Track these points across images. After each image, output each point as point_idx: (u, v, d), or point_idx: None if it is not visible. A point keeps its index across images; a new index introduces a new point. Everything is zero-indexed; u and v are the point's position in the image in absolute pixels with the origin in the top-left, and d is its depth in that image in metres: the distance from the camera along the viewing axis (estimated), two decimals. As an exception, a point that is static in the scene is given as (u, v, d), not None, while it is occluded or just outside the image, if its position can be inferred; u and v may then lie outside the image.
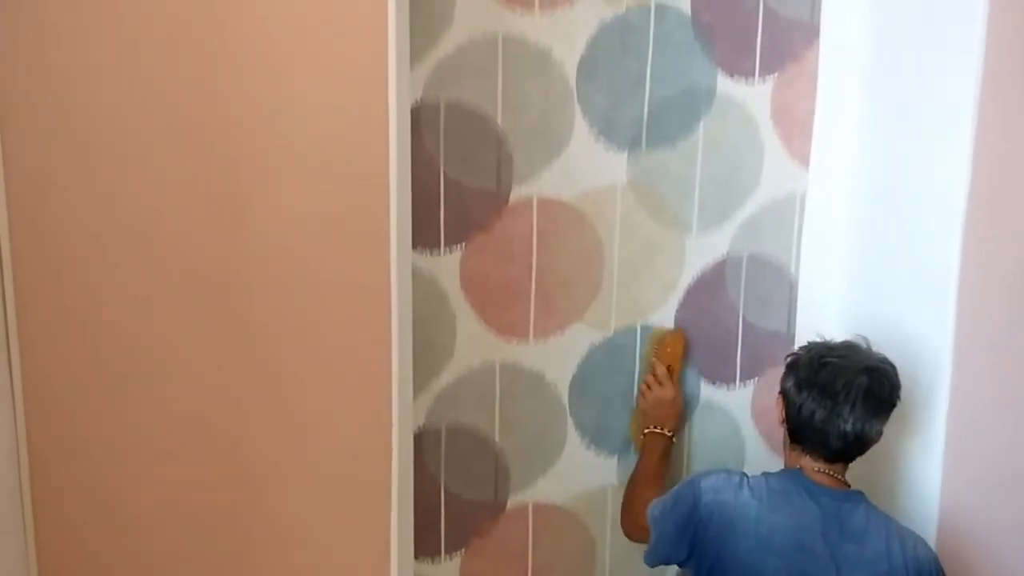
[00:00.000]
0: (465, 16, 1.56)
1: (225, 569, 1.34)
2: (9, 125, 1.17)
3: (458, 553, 1.74)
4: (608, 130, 1.69)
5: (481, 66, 1.59)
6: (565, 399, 1.75)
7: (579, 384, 1.76)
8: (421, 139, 1.58)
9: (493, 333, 1.69)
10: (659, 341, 1.77)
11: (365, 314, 1.32)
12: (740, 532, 1.43)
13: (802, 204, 1.84)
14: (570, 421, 1.77)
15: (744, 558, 1.42)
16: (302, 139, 1.26)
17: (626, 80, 1.68)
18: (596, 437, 1.79)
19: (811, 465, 1.50)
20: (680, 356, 1.77)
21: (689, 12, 1.69)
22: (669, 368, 1.74)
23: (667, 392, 1.72)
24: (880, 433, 1.49)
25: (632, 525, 1.64)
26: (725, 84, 1.74)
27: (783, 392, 1.54)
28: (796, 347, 1.80)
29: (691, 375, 1.84)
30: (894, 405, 1.49)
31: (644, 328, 1.78)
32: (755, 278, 1.84)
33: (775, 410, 1.58)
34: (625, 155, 1.71)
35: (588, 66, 1.65)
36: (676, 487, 1.56)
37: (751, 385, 1.88)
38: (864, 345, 1.54)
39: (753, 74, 1.76)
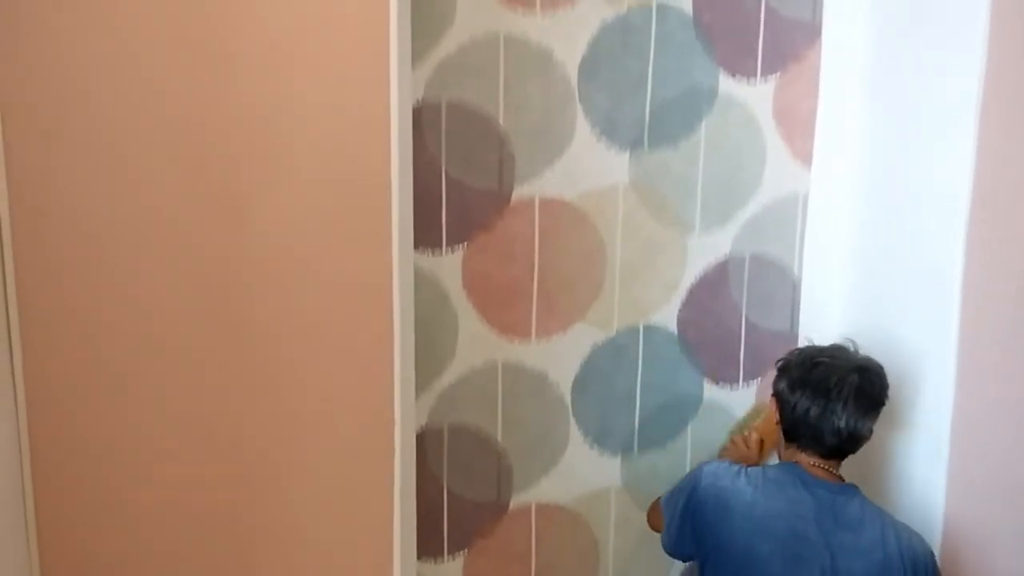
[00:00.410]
0: (466, 16, 1.56)
1: (227, 569, 1.34)
2: (10, 124, 1.18)
3: (461, 553, 1.74)
4: (610, 130, 1.69)
5: (483, 66, 1.59)
6: (568, 399, 1.75)
7: (581, 384, 1.76)
8: (423, 139, 1.58)
9: (495, 333, 1.69)
10: (761, 412, 1.82)
11: (367, 314, 1.32)
12: (735, 516, 1.47)
13: (805, 204, 1.84)
14: (572, 421, 1.76)
15: (739, 541, 1.46)
16: (303, 139, 1.26)
17: (628, 80, 1.68)
18: (599, 437, 1.79)
19: (808, 460, 1.54)
20: (773, 436, 1.74)
21: (691, 12, 1.69)
22: (761, 440, 1.77)
23: (752, 454, 1.76)
24: (871, 431, 1.52)
25: (652, 515, 1.72)
26: (727, 84, 1.74)
27: (776, 394, 1.58)
28: (799, 346, 1.81)
29: (693, 375, 1.83)
30: (883, 404, 1.53)
31: (647, 328, 1.78)
32: (758, 278, 1.84)
33: (770, 411, 1.61)
34: (627, 155, 1.71)
35: (590, 66, 1.65)
36: (684, 477, 1.61)
37: (754, 385, 1.88)
38: (852, 347, 1.57)
39: (755, 74, 1.76)
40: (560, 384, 1.74)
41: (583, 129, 1.67)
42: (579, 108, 1.66)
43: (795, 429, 1.53)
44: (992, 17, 1.48)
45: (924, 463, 1.64)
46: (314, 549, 1.36)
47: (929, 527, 1.61)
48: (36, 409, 1.25)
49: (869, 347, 1.58)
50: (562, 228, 1.69)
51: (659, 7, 1.67)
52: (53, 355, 1.24)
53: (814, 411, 1.49)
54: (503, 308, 1.68)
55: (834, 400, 1.48)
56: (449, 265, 1.64)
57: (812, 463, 1.53)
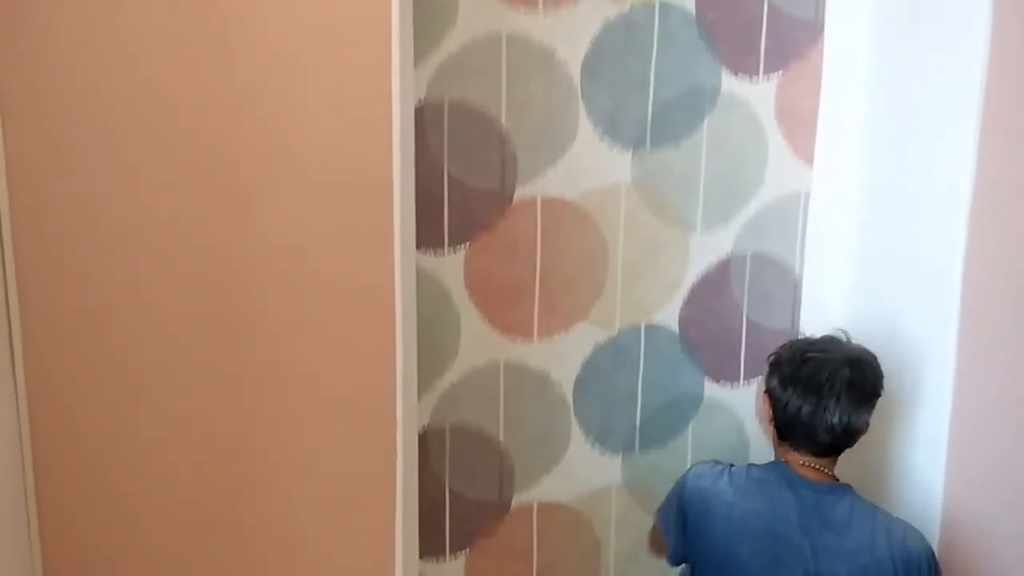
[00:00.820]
0: (469, 15, 1.56)
1: (230, 568, 1.34)
2: (11, 124, 1.17)
3: (463, 552, 1.74)
4: (612, 129, 1.69)
5: (485, 65, 1.59)
6: (569, 398, 1.75)
7: (583, 383, 1.76)
8: (425, 139, 1.57)
9: (497, 332, 1.69)
10: None
11: (369, 314, 1.32)
12: (714, 517, 1.48)
13: (806, 202, 1.84)
14: (574, 420, 1.77)
15: (719, 543, 1.47)
16: (305, 139, 1.26)
17: (630, 79, 1.68)
18: (600, 436, 1.79)
19: (798, 459, 1.51)
20: None
21: (693, 10, 1.68)
22: None
23: None
24: (867, 424, 1.49)
25: (653, 535, 1.76)
26: (729, 83, 1.74)
27: (768, 391, 1.54)
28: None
29: (695, 374, 1.83)
30: (878, 395, 1.50)
31: (648, 327, 1.78)
32: (759, 277, 1.84)
33: (763, 409, 1.58)
34: (629, 154, 1.71)
35: (592, 65, 1.65)
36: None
37: (755, 383, 1.88)
38: (844, 338, 1.54)
39: (757, 72, 1.75)
40: (562, 383, 1.74)
41: (585, 128, 1.67)
42: (581, 107, 1.66)
43: (788, 427, 1.50)
44: (994, 17, 1.48)
45: (923, 459, 1.64)
46: (316, 548, 1.36)
47: (928, 522, 1.62)
48: (37, 406, 1.24)
49: (870, 345, 1.58)
50: (564, 227, 1.69)
51: (662, 5, 1.66)
52: (54, 352, 1.23)
53: (806, 409, 1.46)
54: (505, 308, 1.68)
55: (826, 396, 1.45)
56: (451, 265, 1.64)
57: (802, 462, 1.50)
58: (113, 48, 1.18)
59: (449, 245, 1.63)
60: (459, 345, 1.67)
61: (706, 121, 1.74)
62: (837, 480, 1.53)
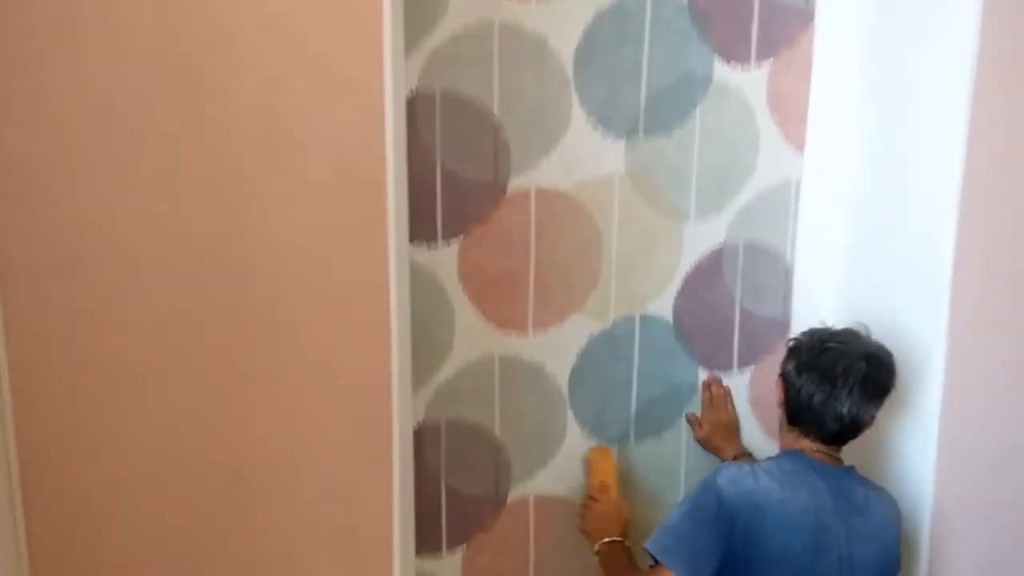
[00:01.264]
0: (460, 4, 1.53)
1: (226, 565, 1.32)
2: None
3: (460, 548, 1.73)
4: (605, 119, 1.67)
5: (477, 55, 1.56)
6: (565, 391, 1.74)
7: (579, 375, 1.74)
8: (417, 130, 1.55)
9: (492, 326, 1.67)
10: (588, 463, 1.75)
11: (364, 309, 1.30)
12: (768, 515, 1.42)
13: (797, 191, 1.83)
14: (570, 413, 1.75)
15: (773, 540, 1.42)
16: (298, 131, 1.23)
17: (623, 68, 1.66)
18: (596, 428, 1.78)
19: (811, 446, 1.53)
20: (610, 470, 1.71)
21: (685, -2, 1.67)
22: (603, 483, 1.70)
23: (604, 504, 1.65)
24: (873, 418, 1.52)
25: None
26: (722, 70, 1.72)
27: (783, 375, 1.57)
28: (792, 333, 1.82)
29: (689, 363, 1.83)
30: (889, 392, 1.53)
31: (643, 317, 1.77)
32: (752, 265, 1.83)
33: (775, 392, 1.61)
34: (623, 144, 1.69)
35: (585, 54, 1.63)
36: (683, 504, 1.47)
37: (748, 372, 1.88)
38: (864, 332, 1.56)
39: (749, 60, 1.74)
40: (557, 376, 1.73)
41: (579, 118, 1.65)
42: (574, 97, 1.64)
43: (798, 412, 1.53)
44: (984, 4, 1.48)
45: (914, 445, 1.65)
46: (313, 546, 1.34)
47: (919, 507, 1.64)
48: (25, 409, 1.21)
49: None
50: (558, 219, 1.67)
51: (654, -7, 1.65)
52: (43, 354, 1.20)
53: (818, 396, 1.49)
54: (500, 301, 1.66)
55: (839, 387, 1.47)
56: (445, 258, 1.61)
57: (815, 448, 1.53)
58: (102, 37, 1.15)
59: (443, 238, 1.61)
60: (453, 339, 1.65)
61: (698, 109, 1.73)
62: (843, 463, 1.56)
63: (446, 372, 1.66)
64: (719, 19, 1.70)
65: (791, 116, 1.79)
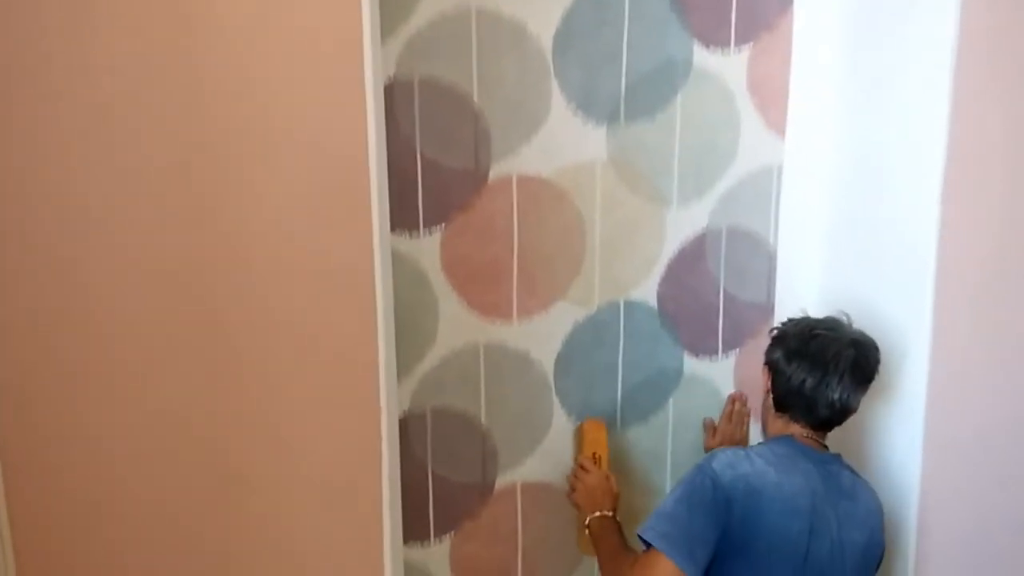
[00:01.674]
0: (437, -10, 1.52)
1: (215, 554, 1.31)
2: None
3: (448, 536, 1.73)
4: (586, 104, 1.66)
5: (455, 41, 1.55)
6: (550, 378, 1.74)
7: (564, 362, 1.74)
8: (395, 118, 1.54)
9: (476, 315, 1.67)
10: (580, 433, 1.75)
11: (349, 299, 1.29)
12: (767, 498, 1.41)
13: (779, 176, 1.84)
14: (556, 400, 1.76)
15: (772, 523, 1.41)
16: (277, 120, 1.22)
17: (603, 53, 1.66)
18: (582, 415, 1.78)
19: (801, 432, 1.54)
20: (603, 443, 1.71)
21: (663, -18, 1.67)
22: (595, 456, 1.70)
23: (595, 476, 1.64)
24: (859, 403, 1.53)
25: None
26: (701, 55, 1.72)
27: (769, 363, 1.57)
28: (776, 318, 1.83)
29: (674, 348, 1.83)
30: (873, 378, 1.54)
31: (627, 303, 1.78)
32: (735, 251, 1.84)
33: (761, 380, 1.60)
34: (604, 129, 1.69)
35: (564, 40, 1.62)
36: (677, 489, 1.44)
37: (733, 356, 1.88)
38: (846, 320, 1.57)
39: (728, 44, 1.74)
40: (542, 363, 1.73)
41: (559, 104, 1.65)
42: (554, 82, 1.63)
43: (788, 399, 1.53)
44: (965, -14, 1.49)
45: (900, 431, 1.66)
46: (303, 537, 1.34)
47: (906, 491, 1.64)
48: (4, 404, 1.19)
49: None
50: (541, 206, 1.67)
51: (632, -23, 1.64)
52: (22, 348, 1.18)
53: (810, 382, 1.49)
54: (484, 289, 1.66)
55: (831, 373, 1.48)
56: (427, 247, 1.61)
57: (805, 435, 1.53)
58: (81, 22, 1.13)
59: (424, 227, 1.60)
60: (437, 329, 1.65)
61: (679, 95, 1.73)
62: (829, 450, 1.56)
63: (431, 361, 1.65)
64: (698, 4, 1.70)
65: (772, 101, 1.80)
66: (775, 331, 1.59)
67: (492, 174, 1.63)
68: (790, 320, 1.59)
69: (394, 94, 1.53)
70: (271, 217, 1.24)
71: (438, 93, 1.57)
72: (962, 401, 1.63)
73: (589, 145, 1.68)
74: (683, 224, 1.78)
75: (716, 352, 1.87)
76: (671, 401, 1.85)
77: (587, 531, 1.60)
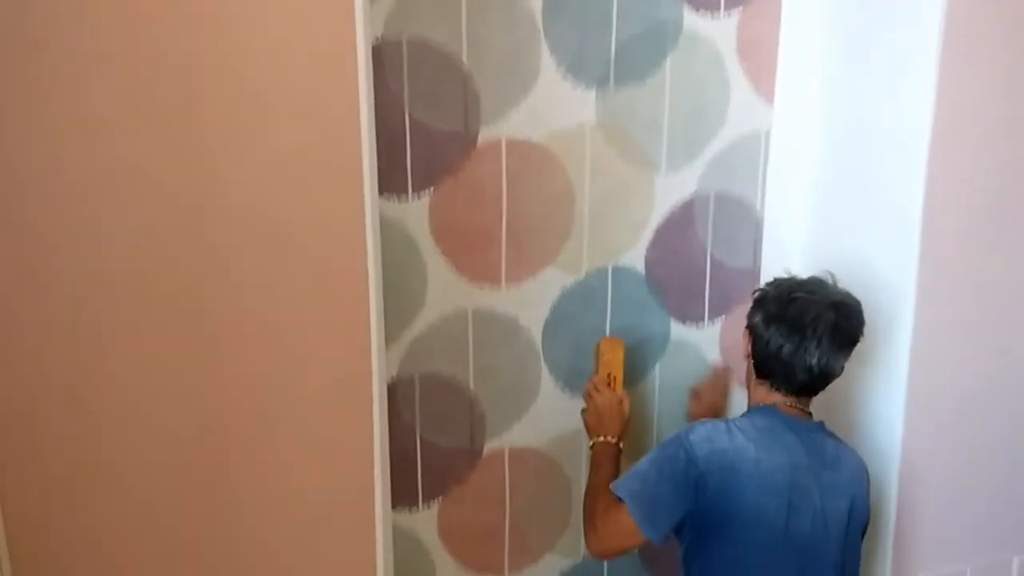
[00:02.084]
0: (426, -51, 1.49)
1: (207, 525, 1.30)
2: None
3: (436, 501, 1.73)
4: (576, 67, 1.64)
5: (444, 0, 1.52)
6: (538, 344, 1.74)
7: (552, 328, 1.74)
8: (384, 79, 1.51)
9: (465, 280, 1.66)
10: (597, 351, 1.74)
11: (340, 264, 1.27)
12: (744, 475, 1.41)
13: (767, 141, 1.84)
14: (544, 365, 1.76)
15: (749, 501, 1.41)
16: (267, 81, 1.19)
17: (593, 15, 1.63)
18: (570, 380, 1.78)
19: (783, 401, 1.52)
20: (619, 363, 1.71)
21: (653, -57, 1.64)
22: (610, 376, 1.70)
23: (605, 398, 1.65)
24: (842, 368, 1.51)
25: (601, 533, 1.49)
26: (691, 19, 1.71)
27: (750, 327, 1.55)
28: (763, 283, 1.83)
29: (661, 315, 1.84)
30: (858, 341, 1.52)
31: (615, 269, 1.77)
32: (722, 216, 1.84)
33: (742, 344, 1.60)
34: (593, 93, 1.67)
35: (554, 1, 1.59)
36: (654, 452, 1.49)
37: (719, 322, 1.89)
38: (831, 281, 1.55)
39: (718, 8, 1.72)
40: (531, 329, 1.73)
41: (548, 66, 1.62)
42: (544, 45, 1.61)
43: (767, 365, 1.51)
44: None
45: (883, 394, 1.68)
46: (293, 504, 1.33)
47: (888, 455, 1.67)
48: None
49: (830, 282, 1.60)
50: (530, 171, 1.65)
51: (622, -62, 1.62)
52: (14, 352, 1.16)
53: (787, 348, 1.47)
54: (472, 254, 1.65)
55: (808, 338, 1.45)
56: (416, 212, 1.59)
57: (788, 403, 1.52)
58: None
59: (413, 191, 1.58)
60: (426, 294, 1.63)
61: (669, 58, 1.71)
62: (812, 417, 1.56)
63: (419, 326, 1.64)
64: (689, -34, 1.68)
65: (761, 66, 1.79)
66: (757, 293, 1.56)
67: (481, 138, 1.61)
68: (773, 281, 1.57)
69: (382, 55, 1.50)
70: (260, 181, 1.21)
71: (427, 54, 1.54)
72: (945, 367, 1.65)
73: (579, 109, 1.67)
74: (672, 189, 1.78)
75: (702, 319, 1.88)
76: (657, 367, 1.86)
77: (590, 451, 1.64)
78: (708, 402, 1.85)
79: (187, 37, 1.14)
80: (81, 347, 1.19)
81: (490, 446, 1.75)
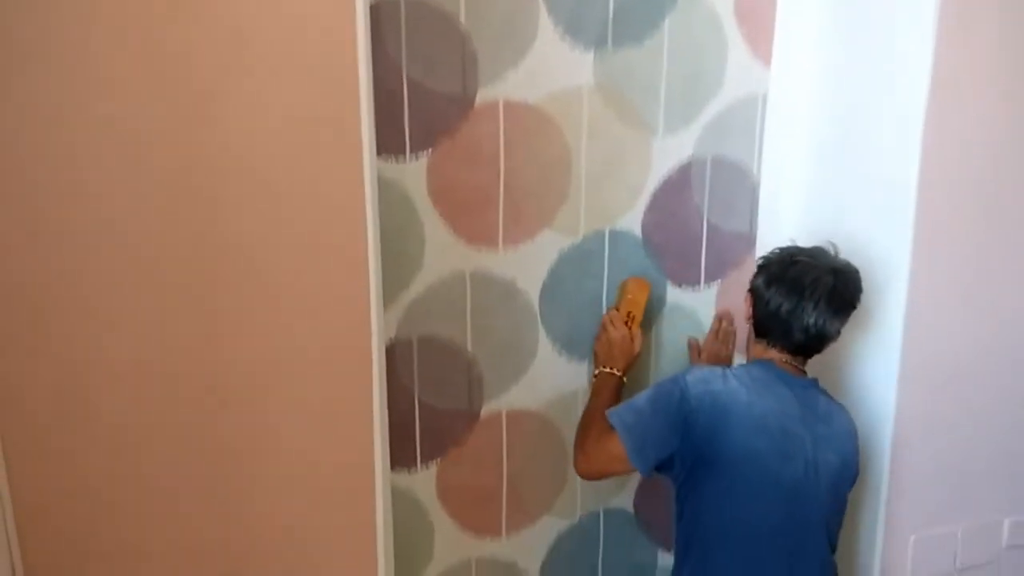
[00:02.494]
0: (423, -95, 1.47)
1: (210, 486, 1.31)
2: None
3: (434, 462, 1.74)
4: (574, 28, 1.63)
5: (442, -40, 1.51)
6: (536, 306, 1.75)
7: (549, 291, 1.75)
8: (381, 39, 1.50)
9: (463, 242, 1.66)
10: (623, 288, 1.77)
11: (340, 225, 1.27)
12: (734, 416, 1.47)
13: (764, 105, 1.83)
14: (541, 328, 1.76)
15: (738, 440, 1.47)
16: (265, 40, 1.18)
17: (591, -26, 1.62)
18: (567, 343, 1.79)
19: (779, 356, 1.57)
20: (641, 304, 1.76)
21: (654, -98, 1.63)
22: (629, 315, 1.75)
23: (620, 333, 1.71)
24: (839, 332, 1.56)
25: (591, 455, 1.57)
26: (689, -21, 1.70)
27: (753, 289, 1.60)
28: (758, 249, 1.85)
29: (657, 278, 1.84)
30: (854, 307, 1.56)
31: (612, 233, 1.78)
32: (719, 180, 1.84)
33: (743, 308, 1.64)
34: (591, 55, 1.66)
35: (552, -40, 1.59)
36: (651, 389, 1.57)
37: (715, 287, 1.90)
38: (832, 250, 1.60)
39: (717, -32, 1.71)
40: (528, 292, 1.73)
41: (546, 27, 1.61)
42: (542, 5, 1.60)
43: (766, 323, 1.56)
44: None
45: (878, 359, 1.69)
46: (294, 466, 1.34)
47: (881, 418, 1.69)
48: (8, 407, 1.18)
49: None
50: (528, 132, 1.65)
51: None
52: (16, 348, 1.16)
53: (786, 307, 1.52)
54: (470, 216, 1.65)
55: (806, 298, 1.51)
56: (413, 172, 1.59)
57: (783, 359, 1.57)
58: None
59: (411, 152, 1.58)
60: (424, 256, 1.63)
61: (667, 19, 1.70)
62: (807, 376, 1.60)
63: (417, 288, 1.65)
64: (688, -75, 1.67)
65: (758, 28, 1.78)
66: (761, 260, 1.62)
67: (479, 99, 1.60)
68: (776, 249, 1.62)
69: (380, 15, 1.49)
70: (259, 142, 1.21)
71: (424, 13, 1.53)
72: (939, 331, 1.67)
73: (576, 71, 1.66)
74: (669, 153, 1.78)
75: (698, 282, 1.89)
76: (653, 330, 1.87)
77: (593, 378, 1.73)
78: (711, 350, 1.86)
79: (185, 9, 1.13)
80: (82, 312, 1.19)
81: (488, 408, 1.76)
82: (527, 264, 1.72)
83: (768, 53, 1.81)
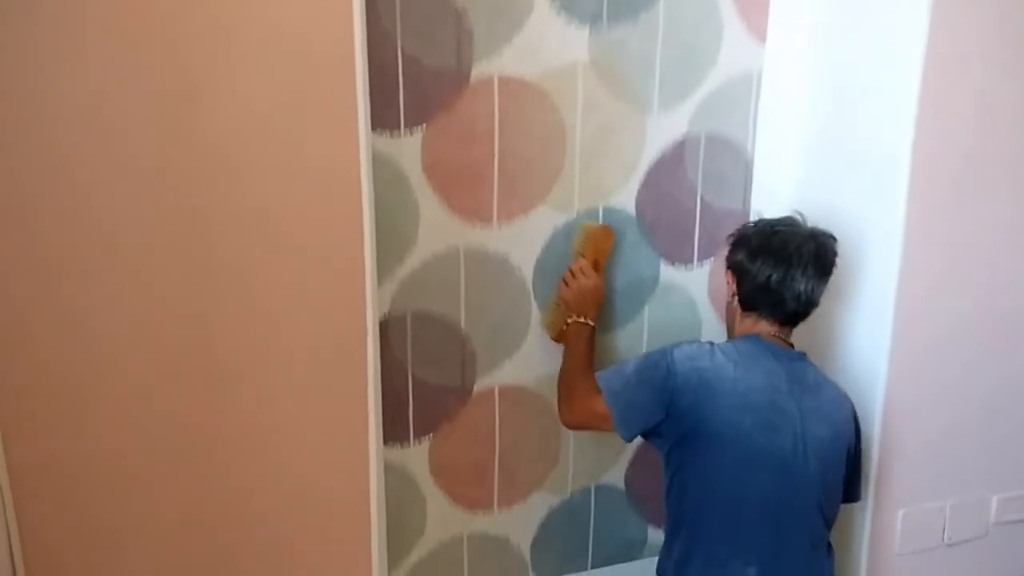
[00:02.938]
0: None
1: (203, 455, 1.31)
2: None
3: (427, 437, 1.75)
4: (569, 3, 1.63)
5: (437, -68, 1.50)
6: (529, 283, 1.75)
7: (543, 267, 1.75)
8: (376, 13, 1.49)
9: (457, 218, 1.66)
10: (586, 235, 1.76)
11: (335, 199, 1.27)
12: (719, 392, 1.49)
13: (758, 82, 1.83)
14: (535, 304, 1.77)
15: (724, 416, 1.48)
16: (259, 19, 1.17)
17: (587, -51, 1.61)
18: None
19: (768, 330, 1.58)
20: (606, 252, 1.76)
21: None
22: (595, 262, 1.74)
23: (590, 282, 1.70)
24: (820, 297, 1.57)
25: (576, 411, 1.62)
26: (685, -46, 1.69)
27: (733, 265, 1.60)
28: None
29: (650, 256, 1.85)
30: (832, 271, 1.58)
31: (606, 209, 1.78)
32: (713, 158, 1.84)
33: (725, 286, 1.64)
34: (586, 30, 1.66)
35: (548, -66, 1.57)
36: (640, 358, 1.57)
37: (707, 264, 1.91)
38: (800, 218, 1.61)
39: (712, -56, 1.71)
40: (522, 268, 1.74)
41: (542, 2, 1.61)
42: (537, -21, 1.59)
43: (755, 296, 1.56)
44: None
45: (868, 333, 1.70)
46: (288, 438, 1.34)
47: (871, 394, 1.70)
48: (10, 412, 1.18)
49: (818, 224, 1.61)
50: (522, 108, 1.64)
51: None
52: (17, 347, 1.16)
53: (776, 277, 1.53)
54: (464, 192, 1.65)
55: (795, 265, 1.52)
56: (408, 148, 1.58)
57: (772, 332, 1.57)
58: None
59: (405, 127, 1.57)
60: (418, 231, 1.63)
61: (663, -6, 1.70)
62: (794, 348, 1.60)
63: (411, 264, 1.65)
64: (685, -100, 1.65)
65: (754, 5, 1.78)
66: (732, 236, 1.62)
67: (474, 74, 1.59)
68: (746, 224, 1.63)
69: (374, -12, 1.48)
70: (254, 117, 1.20)
71: (419, -13, 1.52)
72: (930, 306, 1.68)
73: (571, 46, 1.65)
74: (663, 130, 1.78)
75: (691, 260, 1.89)
76: (646, 308, 1.88)
77: (565, 328, 1.72)
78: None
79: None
80: (83, 304, 1.19)
81: (480, 384, 1.77)
82: (521, 240, 1.72)
83: (763, 30, 1.80)
